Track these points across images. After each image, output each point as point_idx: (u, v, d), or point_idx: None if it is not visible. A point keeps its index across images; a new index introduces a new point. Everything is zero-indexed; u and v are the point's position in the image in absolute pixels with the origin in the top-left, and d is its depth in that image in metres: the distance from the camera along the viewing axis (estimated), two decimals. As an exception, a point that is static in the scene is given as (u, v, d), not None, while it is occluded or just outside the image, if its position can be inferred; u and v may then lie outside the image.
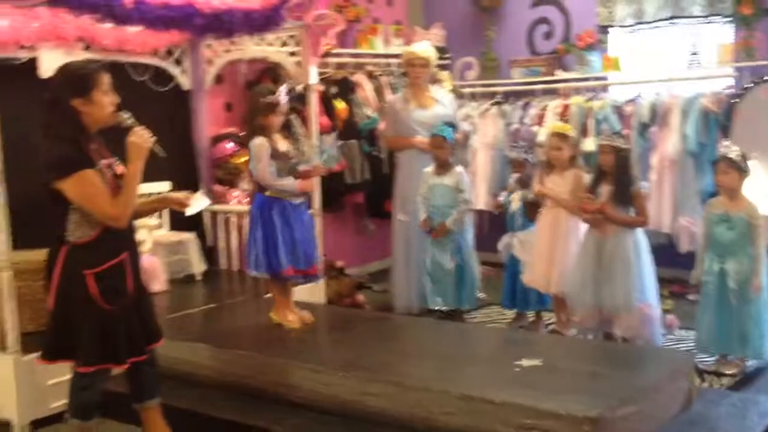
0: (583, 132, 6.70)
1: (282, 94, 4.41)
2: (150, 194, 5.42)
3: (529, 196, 5.30)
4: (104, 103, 3.32)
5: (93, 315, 3.31)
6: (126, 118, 3.44)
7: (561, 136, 5.11)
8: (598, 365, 3.73)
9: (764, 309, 4.48)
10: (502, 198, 5.54)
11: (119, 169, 3.42)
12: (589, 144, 6.35)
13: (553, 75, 7.27)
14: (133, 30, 5.09)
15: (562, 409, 3.13)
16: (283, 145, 4.50)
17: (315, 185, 4.66)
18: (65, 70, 3.37)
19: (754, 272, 4.43)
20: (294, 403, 3.85)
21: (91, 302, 3.29)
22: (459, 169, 5.63)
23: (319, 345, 4.28)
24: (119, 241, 3.39)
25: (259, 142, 4.36)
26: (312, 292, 5.43)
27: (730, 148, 4.53)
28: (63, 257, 3.31)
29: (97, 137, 3.41)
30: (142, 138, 3.38)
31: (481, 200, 7.21)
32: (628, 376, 3.52)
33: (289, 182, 4.41)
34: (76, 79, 3.29)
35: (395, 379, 3.56)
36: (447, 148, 5.54)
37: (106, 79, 3.35)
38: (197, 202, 3.94)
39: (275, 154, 4.40)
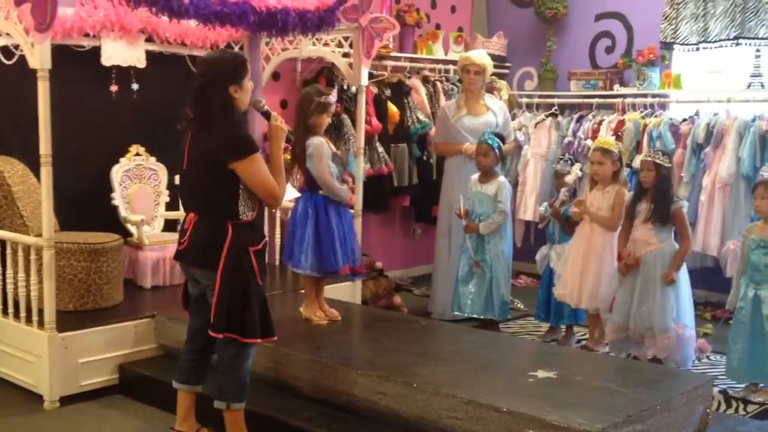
0: (638, 149, 6.63)
1: (333, 96, 4.49)
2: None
3: (570, 209, 5.27)
4: (249, 89, 3.57)
5: (257, 290, 3.50)
6: (263, 103, 3.74)
7: (604, 150, 5.05)
8: (614, 382, 3.70)
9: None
10: (542, 209, 5.52)
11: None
12: (638, 161, 6.26)
13: (611, 89, 7.20)
14: (194, 23, 5.24)
15: (565, 422, 3.14)
16: (333, 146, 4.61)
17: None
18: (218, 60, 3.62)
19: None
20: (309, 397, 3.95)
21: (254, 278, 3.48)
22: (502, 178, 5.64)
23: (341, 342, 4.34)
24: (263, 222, 3.67)
25: (318, 141, 4.44)
26: (348, 292, 5.51)
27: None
28: (231, 234, 3.44)
29: None
30: (280, 121, 3.64)
31: (529, 211, 7.19)
32: (641, 394, 3.49)
33: (345, 190, 4.55)
34: (232, 68, 3.51)
35: (407, 381, 3.60)
36: (491, 157, 5.55)
37: (248, 66, 3.62)
38: (290, 192, 4.15)
39: (334, 156, 4.50)
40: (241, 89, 3.50)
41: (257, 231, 3.57)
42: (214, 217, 3.48)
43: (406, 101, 6.98)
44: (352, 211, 5.10)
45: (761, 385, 4.56)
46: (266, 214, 3.92)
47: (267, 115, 3.72)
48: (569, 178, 5.41)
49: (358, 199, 5.53)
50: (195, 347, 3.70)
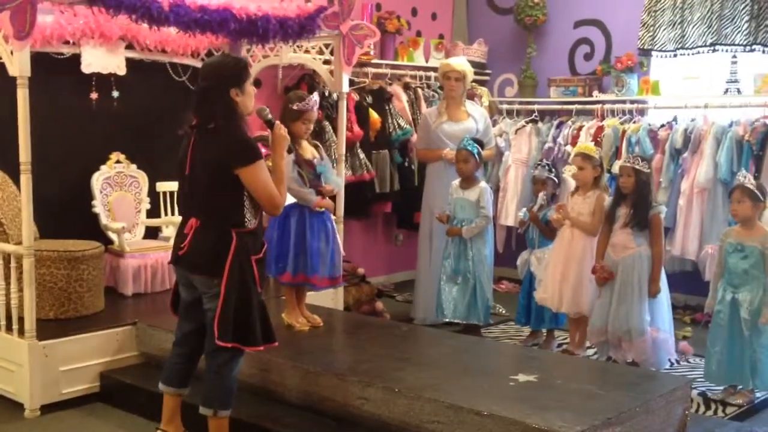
0: (617, 154, 6.69)
1: (310, 102, 4.49)
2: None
3: (549, 214, 5.31)
4: (251, 93, 3.57)
5: (257, 298, 3.50)
6: (267, 112, 3.75)
7: (585, 156, 5.11)
8: (593, 385, 3.74)
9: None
10: (521, 214, 5.56)
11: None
12: (617, 167, 6.32)
13: (590, 96, 7.26)
14: (174, 31, 5.24)
15: (546, 424, 3.16)
16: (309, 152, 4.58)
17: (332, 203, 4.68)
18: (220, 64, 3.62)
19: (765, 303, 4.38)
20: (292, 403, 3.96)
21: (254, 286, 3.48)
22: (483, 184, 5.68)
23: (324, 348, 4.35)
24: (262, 229, 3.67)
25: None
26: (330, 298, 5.52)
27: (747, 178, 4.49)
28: (235, 243, 3.43)
29: None
30: (284, 129, 3.66)
31: (510, 217, 7.23)
32: (620, 396, 3.52)
33: (308, 193, 4.48)
34: (233, 71, 3.51)
35: (389, 386, 3.62)
36: (471, 163, 5.59)
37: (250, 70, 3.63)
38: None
39: (299, 161, 4.48)
40: (243, 93, 3.49)
41: (258, 239, 3.56)
42: (219, 223, 3.46)
43: (387, 108, 7.01)
44: (334, 217, 5.10)
45: (740, 387, 4.60)
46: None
47: (270, 124, 3.73)
48: (567, 176, 5.48)
49: (339, 206, 5.55)
50: (183, 351, 3.70)
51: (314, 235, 4.51)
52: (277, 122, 3.73)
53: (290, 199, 4.38)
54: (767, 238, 4.42)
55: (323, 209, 4.59)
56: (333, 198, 4.80)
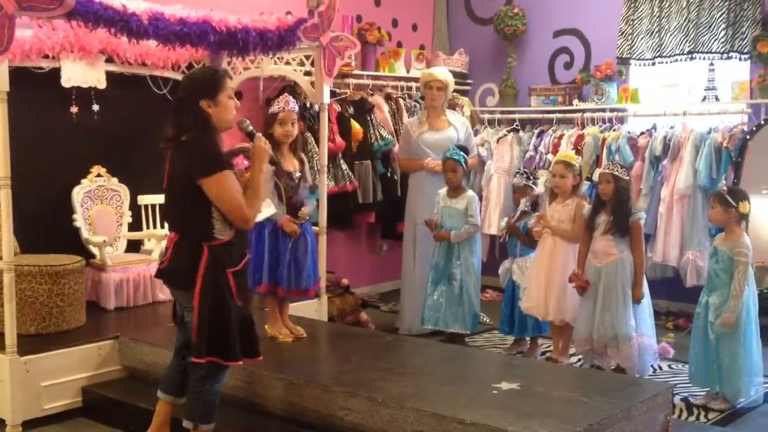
0: (598, 162, 6.74)
1: (281, 103, 4.49)
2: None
3: (529, 222, 5.34)
4: (229, 106, 3.51)
5: (236, 312, 3.43)
6: (248, 124, 3.68)
7: (566, 164, 5.14)
8: (576, 392, 3.75)
9: (742, 347, 4.44)
10: (503, 224, 5.59)
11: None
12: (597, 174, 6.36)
13: (570, 104, 7.31)
14: (154, 44, 5.24)
15: (528, 431, 3.17)
16: (291, 164, 4.57)
17: (297, 229, 4.55)
18: (194, 74, 3.61)
19: (728, 308, 4.41)
20: (276, 415, 3.95)
21: (232, 300, 3.42)
22: (471, 193, 5.72)
23: (306, 359, 4.34)
24: (245, 241, 3.59)
25: None
26: (314, 309, 5.52)
27: (723, 184, 4.54)
28: (206, 255, 3.39)
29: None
30: (265, 143, 3.57)
31: (493, 225, 7.26)
32: (602, 403, 3.53)
33: (279, 213, 4.44)
34: (204, 82, 3.48)
35: (372, 396, 3.62)
36: (460, 172, 5.62)
37: (228, 83, 3.56)
38: (266, 209, 4.15)
39: (279, 172, 4.48)
40: (216, 105, 3.44)
41: (236, 250, 3.50)
42: (191, 237, 3.45)
43: (369, 119, 7.03)
44: (316, 229, 5.11)
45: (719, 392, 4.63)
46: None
47: (251, 136, 3.70)
48: (540, 184, 5.50)
49: (322, 217, 5.55)
50: (179, 361, 3.70)
51: (286, 246, 4.51)
52: (258, 134, 3.71)
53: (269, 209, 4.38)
54: (736, 245, 4.46)
55: (300, 222, 4.56)
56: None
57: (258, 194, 3.53)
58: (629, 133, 6.74)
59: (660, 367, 5.26)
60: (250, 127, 3.74)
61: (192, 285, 3.39)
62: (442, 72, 6.28)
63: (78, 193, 5.45)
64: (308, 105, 6.59)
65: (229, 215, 3.41)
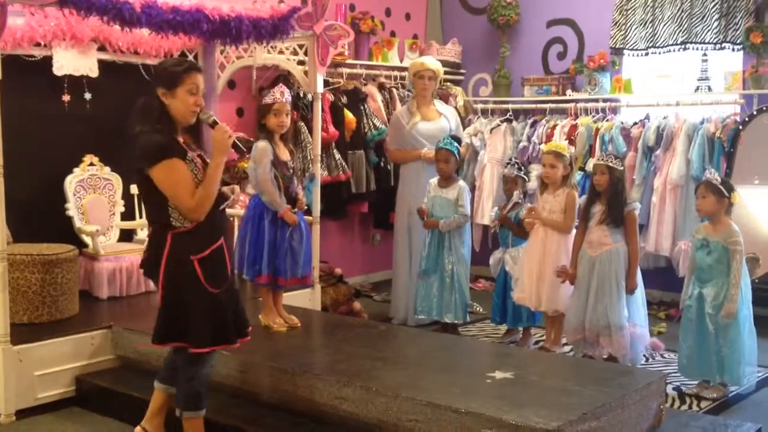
0: (591, 152, 6.75)
1: (276, 94, 4.47)
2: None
3: (521, 213, 5.35)
4: (186, 101, 3.43)
5: (203, 298, 3.41)
6: (210, 115, 3.59)
7: (557, 154, 5.14)
8: (570, 381, 3.76)
9: (741, 335, 4.47)
10: (493, 214, 5.60)
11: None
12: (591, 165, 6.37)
13: (563, 94, 7.31)
14: (147, 32, 5.21)
15: (522, 420, 3.18)
16: (284, 154, 4.57)
17: (296, 219, 4.56)
18: (163, 62, 3.63)
19: (728, 298, 4.43)
20: (270, 404, 3.95)
21: (200, 286, 3.39)
22: (462, 183, 5.71)
23: (301, 349, 4.34)
24: (216, 228, 3.51)
25: (262, 145, 4.45)
26: (308, 299, 5.52)
27: (712, 174, 4.55)
28: (169, 243, 3.39)
29: (184, 133, 3.53)
30: (225, 133, 3.49)
31: (486, 216, 7.26)
32: (596, 392, 3.54)
33: (280, 204, 4.46)
34: (164, 72, 3.47)
35: (366, 385, 3.62)
36: (452, 162, 5.62)
37: (194, 79, 3.45)
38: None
39: (276, 161, 4.48)
40: (172, 96, 3.40)
41: (201, 238, 3.43)
42: (155, 227, 3.48)
43: (362, 108, 7.02)
44: (309, 218, 5.11)
45: (711, 381, 4.66)
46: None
47: (214, 125, 3.57)
48: (533, 177, 5.51)
49: (316, 206, 5.55)
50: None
51: (284, 236, 4.51)
52: (220, 124, 3.54)
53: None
54: (729, 234, 4.47)
55: (296, 211, 4.57)
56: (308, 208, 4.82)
57: (209, 184, 3.41)
58: (622, 123, 6.75)
59: (651, 356, 5.28)
60: (212, 118, 3.58)
61: (157, 275, 3.43)
62: (433, 61, 6.27)
63: (70, 182, 5.43)
64: (301, 94, 6.57)
65: (172, 204, 3.38)
